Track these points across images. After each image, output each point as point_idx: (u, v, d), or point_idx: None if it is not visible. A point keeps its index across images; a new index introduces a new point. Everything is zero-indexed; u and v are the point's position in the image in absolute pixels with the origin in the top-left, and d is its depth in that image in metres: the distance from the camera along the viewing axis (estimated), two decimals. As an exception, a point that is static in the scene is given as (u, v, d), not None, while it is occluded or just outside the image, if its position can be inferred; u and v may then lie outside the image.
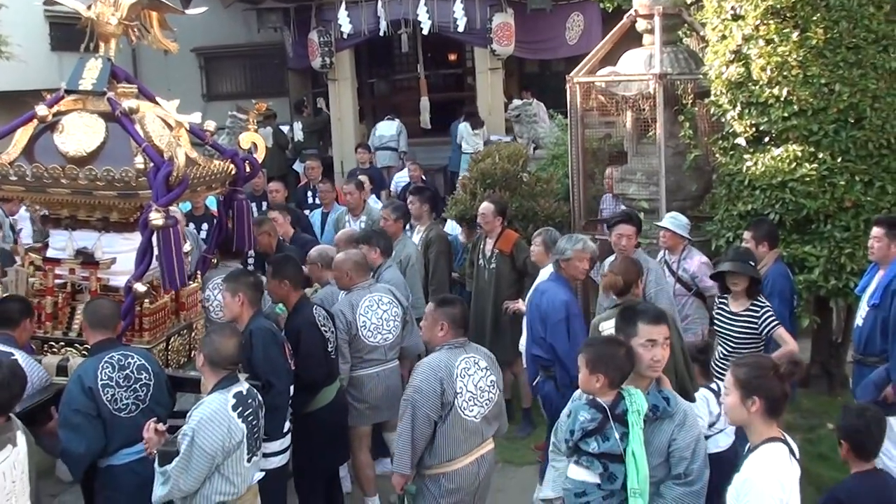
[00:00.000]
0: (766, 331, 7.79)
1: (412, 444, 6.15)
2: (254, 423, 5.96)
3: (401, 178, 16.77)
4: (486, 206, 9.98)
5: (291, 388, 7.09)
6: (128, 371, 6.22)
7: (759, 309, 7.85)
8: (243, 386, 5.99)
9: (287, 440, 7.11)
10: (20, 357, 6.36)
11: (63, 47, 21.81)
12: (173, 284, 6.71)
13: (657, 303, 8.12)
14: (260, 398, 6.16)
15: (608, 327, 7.12)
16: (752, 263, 8.00)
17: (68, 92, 7.00)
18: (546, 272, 8.65)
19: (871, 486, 5.39)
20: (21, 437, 5.33)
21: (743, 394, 4.77)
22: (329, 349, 7.67)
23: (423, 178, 16.12)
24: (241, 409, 5.84)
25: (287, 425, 7.08)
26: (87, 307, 6.61)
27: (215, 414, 5.72)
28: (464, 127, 19.11)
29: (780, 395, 4.77)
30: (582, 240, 8.19)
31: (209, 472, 5.71)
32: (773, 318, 7.82)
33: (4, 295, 7.08)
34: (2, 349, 6.37)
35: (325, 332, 7.65)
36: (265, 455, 6.54)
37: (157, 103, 7.38)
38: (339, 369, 7.90)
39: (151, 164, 6.44)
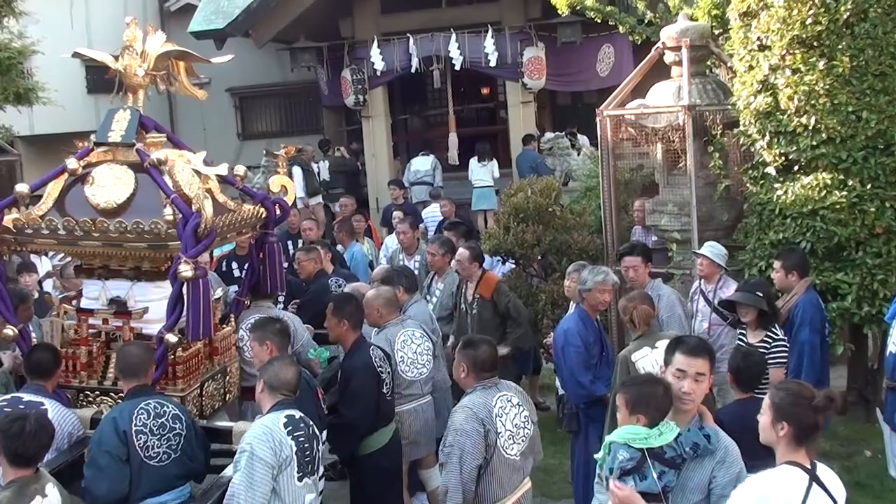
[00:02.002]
0: (770, 364, 7.69)
1: (462, 487, 6.07)
2: (305, 445, 5.98)
3: (429, 214, 16.81)
4: (461, 253, 9.98)
5: (324, 433, 7.16)
6: (163, 419, 6.20)
7: (771, 341, 7.89)
8: (297, 412, 6.07)
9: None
10: (51, 407, 6.39)
11: (99, 90, 22.16)
12: (197, 336, 6.71)
13: (668, 328, 8.24)
14: (315, 429, 6.19)
15: (639, 357, 7.18)
16: (762, 294, 8.00)
17: (98, 144, 7.06)
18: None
19: (749, 409, 5.72)
20: (53, 489, 5.40)
21: (774, 416, 4.79)
22: (385, 391, 7.68)
23: (457, 213, 16.18)
24: (291, 427, 5.90)
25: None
26: (117, 355, 6.64)
27: (266, 427, 5.82)
28: (473, 161, 19.29)
29: (811, 425, 4.77)
30: (604, 272, 8.24)
31: (270, 490, 5.76)
32: (781, 354, 7.87)
33: (34, 344, 7.11)
34: (32, 399, 6.40)
35: (382, 373, 7.67)
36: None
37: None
38: (394, 411, 7.93)
39: (180, 216, 6.48)
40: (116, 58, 7.26)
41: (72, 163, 6.84)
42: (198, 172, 6.90)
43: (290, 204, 8.13)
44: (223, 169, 7.38)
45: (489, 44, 19.64)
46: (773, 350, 7.84)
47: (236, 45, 21.42)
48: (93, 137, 7.10)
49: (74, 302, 7.53)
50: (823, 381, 8.38)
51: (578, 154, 19.44)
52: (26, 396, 6.49)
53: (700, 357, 5.41)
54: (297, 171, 19.35)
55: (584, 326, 8.16)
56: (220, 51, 20.64)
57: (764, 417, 4.87)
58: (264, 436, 5.79)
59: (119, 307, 7.08)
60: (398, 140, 23.03)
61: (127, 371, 6.41)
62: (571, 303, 9.04)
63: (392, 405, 7.86)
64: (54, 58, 17.30)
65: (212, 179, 7.18)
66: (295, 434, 5.92)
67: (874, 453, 9.29)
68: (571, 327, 8.13)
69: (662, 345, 6.76)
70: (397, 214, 14.58)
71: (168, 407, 6.30)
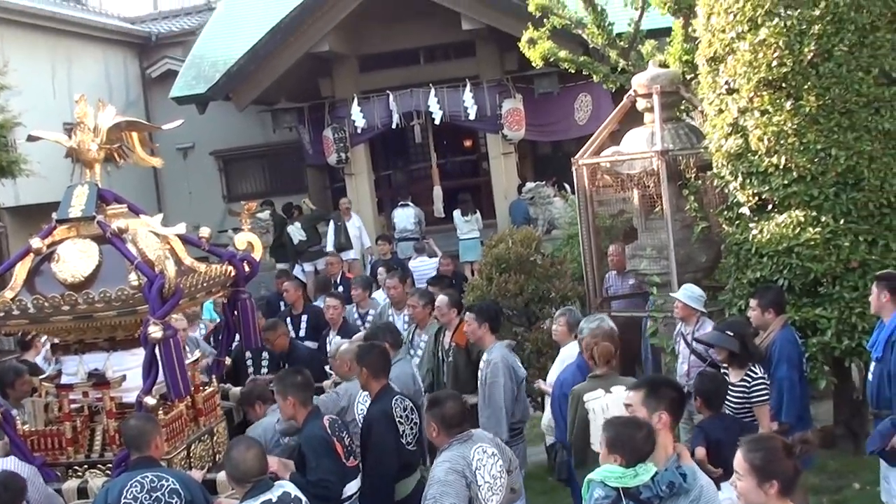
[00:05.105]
0: (754, 402, 7.90)
1: None
2: None
3: (416, 267, 16.89)
4: (440, 299, 10.03)
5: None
6: (158, 493, 5.98)
7: (750, 380, 7.97)
8: (275, 493, 5.94)
9: None
10: None
11: (83, 160, 22.15)
12: (177, 393, 6.73)
13: (490, 392, 8.54)
14: (301, 500, 6.09)
15: (591, 398, 7.25)
16: (733, 333, 8.11)
17: (60, 221, 7.15)
18: (567, 350, 8.82)
19: (721, 422, 7.46)
20: None
21: (759, 479, 4.75)
22: (405, 441, 7.60)
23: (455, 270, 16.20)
24: None
25: None
26: (121, 428, 6.61)
27: None
28: (456, 214, 19.49)
29: (795, 473, 4.81)
30: (598, 318, 8.26)
31: None
32: (763, 392, 7.95)
33: None
34: None
35: (401, 423, 7.57)
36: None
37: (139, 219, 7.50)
38: (418, 461, 7.91)
39: (145, 280, 6.55)
40: (69, 136, 7.36)
41: (36, 242, 6.95)
42: (157, 235, 7.01)
43: (258, 260, 8.22)
44: (181, 228, 7.45)
45: (468, 97, 19.80)
46: (754, 388, 7.94)
47: (218, 109, 21.70)
48: (54, 215, 7.18)
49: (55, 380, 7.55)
50: (804, 417, 8.49)
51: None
52: None
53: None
54: (330, 226, 19.48)
55: (583, 377, 8.16)
56: (202, 115, 20.84)
57: (745, 483, 4.80)
58: None
59: (98, 379, 7.10)
60: (382, 195, 23.12)
61: (128, 443, 6.37)
62: (562, 347, 9.11)
63: (415, 454, 7.80)
64: (35, 129, 17.40)
65: (173, 240, 7.26)
66: None
67: (863, 486, 9.31)
68: (567, 378, 8.11)
69: (617, 390, 6.96)
70: (382, 270, 14.62)
71: (167, 481, 6.08)
